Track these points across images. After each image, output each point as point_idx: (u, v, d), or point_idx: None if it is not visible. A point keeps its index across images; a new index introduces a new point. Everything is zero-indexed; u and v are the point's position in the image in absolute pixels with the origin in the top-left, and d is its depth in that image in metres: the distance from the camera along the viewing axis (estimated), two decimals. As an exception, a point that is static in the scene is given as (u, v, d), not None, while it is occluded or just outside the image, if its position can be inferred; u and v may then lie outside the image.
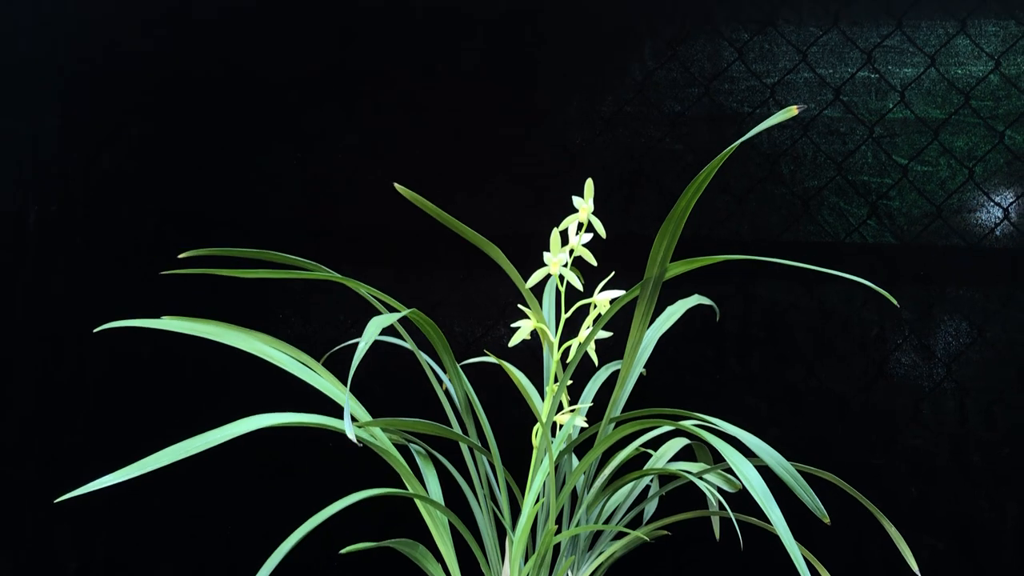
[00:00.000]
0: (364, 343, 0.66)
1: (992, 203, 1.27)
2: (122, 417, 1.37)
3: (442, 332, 0.84)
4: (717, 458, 1.02)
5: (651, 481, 1.02)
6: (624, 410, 0.91)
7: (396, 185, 0.86)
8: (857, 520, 1.05)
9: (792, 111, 0.73)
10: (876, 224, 1.28)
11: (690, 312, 1.03)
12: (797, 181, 1.29)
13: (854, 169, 1.28)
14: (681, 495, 1.00)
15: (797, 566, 0.64)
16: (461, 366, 0.93)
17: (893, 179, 1.28)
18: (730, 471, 0.93)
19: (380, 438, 0.89)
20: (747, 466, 0.71)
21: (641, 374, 0.97)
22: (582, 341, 0.88)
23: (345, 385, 0.67)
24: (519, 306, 0.93)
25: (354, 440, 0.61)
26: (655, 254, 0.79)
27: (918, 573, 0.92)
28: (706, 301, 1.04)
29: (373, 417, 0.97)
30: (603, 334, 0.91)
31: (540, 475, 0.85)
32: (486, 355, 0.93)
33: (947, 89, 1.28)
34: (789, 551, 0.65)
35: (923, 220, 1.28)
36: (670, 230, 0.78)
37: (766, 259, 0.80)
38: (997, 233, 1.27)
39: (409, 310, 0.79)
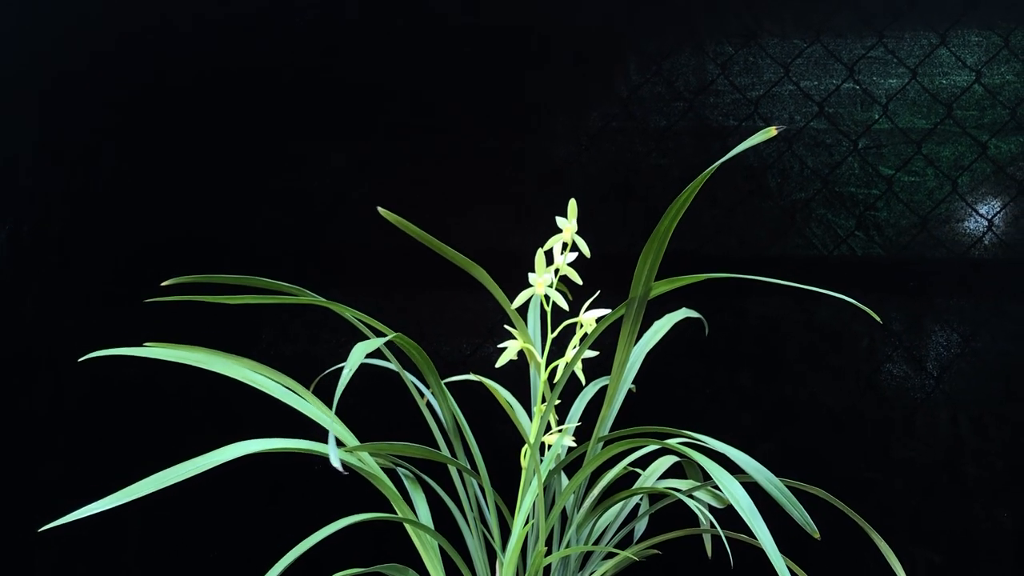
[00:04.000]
0: (348, 369, 0.65)
1: (977, 215, 1.27)
2: (102, 446, 1.35)
3: (427, 354, 0.84)
4: (707, 475, 1.01)
5: (640, 500, 1.01)
6: (612, 428, 0.91)
7: (380, 209, 0.86)
8: (850, 535, 1.04)
9: (771, 132, 0.73)
10: (864, 236, 1.28)
11: (679, 328, 1.03)
12: (784, 194, 1.29)
13: (841, 181, 1.28)
14: (671, 513, 0.99)
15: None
16: (446, 383, 0.92)
17: (880, 190, 1.28)
18: (719, 488, 0.94)
19: (368, 462, 0.89)
20: (732, 483, 0.71)
21: (630, 390, 0.97)
22: (569, 361, 0.88)
23: (331, 410, 0.67)
24: (506, 327, 0.92)
25: (339, 468, 0.61)
26: (639, 273, 0.79)
27: (908, 585, 0.91)
28: (693, 314, 1.04)
29: (361, 441, 0.97)
30: (590, 353, 0.91)
31: (529, 496, 0.85)
32: (473, 376, 0.93)
33: (931, 100, 1.28)
34: (775, 566, 0.64)
35: (911, 231, 1.28)
36: (654, 249, 0.78)
37: (749, 277, 0.79)
38: (985, 243, 1.27)
39: (394, 334, 0.79)
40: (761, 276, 1.25)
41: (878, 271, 1.27)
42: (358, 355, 0.68)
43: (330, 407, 0.92)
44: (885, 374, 1.27)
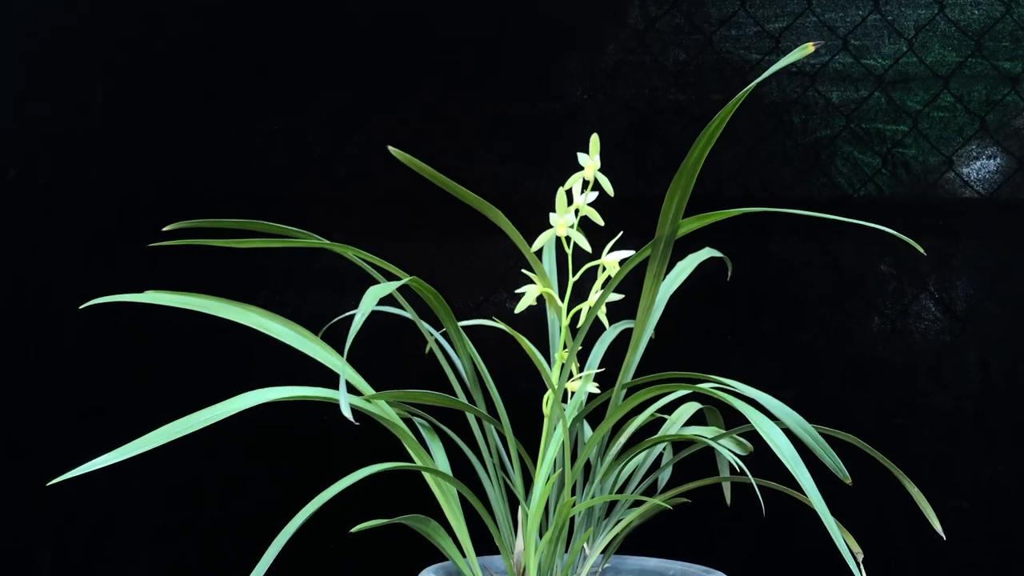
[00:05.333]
0: (361, 313, 0.62)
1: (1007, 152, 1.22)
2: (105, 397, 1.32)
3: (444, 300, 0.80)
4: (729, 422, 0.99)
5: (664, 448, 0.98)
6: (635, 374, 0.88)
7: (391, 148, 0.82)
8: (878, 483, 1.01)
9: (808, 48, 0.68)
10: (890, 174, 1.23)
11: (699, 272, 0.99)
12: (808, 132, 1.24)
13: (867, 117, 1.23)
14: (690, 462, 0.96)
15: (832, 535, 0.61)
16: (463, 327, 0.89)
17: (907, 127, 1.23)
18: (744, 435, 0.91)
19: (385, 410, 0.85)
20: (774, 430, 0.67)
21: (651, 337, 0.94)
22: (592, 305, 0.84)
23: (343, 355, 0.64)
24: (523, 271, 0.89)
25: (349, 416, 0.57)
26: (666, 210, 0.75)
27: (943, 535, 0.89)
28: (717, 254, 1.00)
29: (375, 391, 0.94)
30: (614, 296, 0.87)
31: (553, 445, 0.81)
32: (493, 321, 0.89)
33: (960, 33, 1.23)
34: (823, 519, 0.61)
35: (939, 169, 1.23)
36: (682, 183, 0.74)
37: (785, 211, 0.76)
38: (1017, 182, 1.22)
39: (409, 277, 0.75)
40: (787, 215, 1.21)
41: (905, 211, 1.23)
42: (371, 298, 0.64)
43: (342, 355, 0.89)
44: (912, 318, 1.23)
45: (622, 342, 0.98)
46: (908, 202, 1.23)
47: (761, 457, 0.88)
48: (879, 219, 1.23)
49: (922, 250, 0.65)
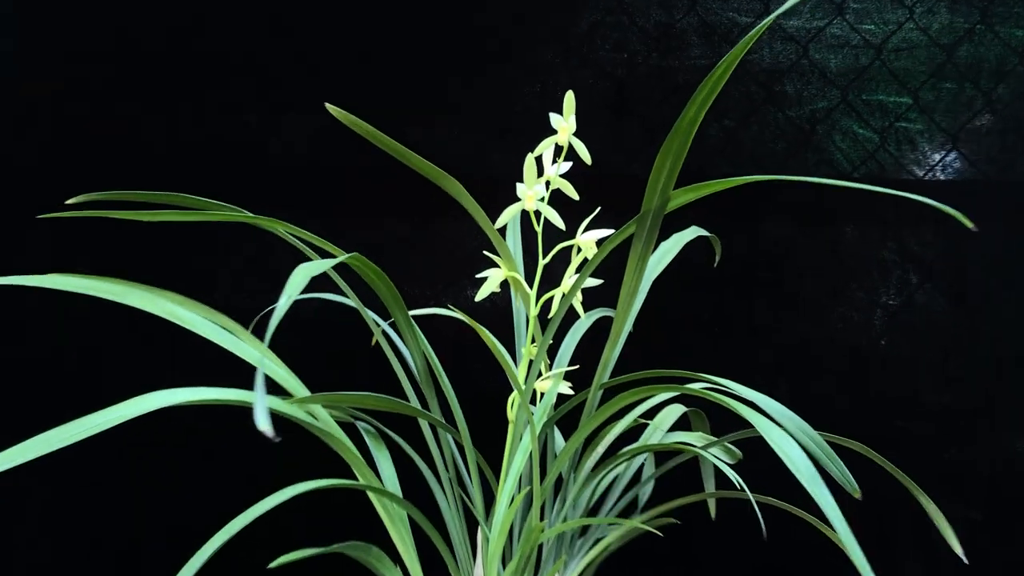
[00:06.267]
0: (287, 296, 0.49)
1: (1016, 130, 1.12)
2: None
3: (392, 283, 0.68)
4: (716, 427, 0.87)
5: (645, 459, 0.87)
6: (614, 372, 0.76)
7: (328, 106, 0.69)
8: (882, 491, 0.91)
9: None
10: (894, 151, 1.12)
11: (682, 255, 0.87)
12: (804, 103, 1.12)
13: (868, 88, 1.12)
14: (676, 472, 0.85)
15: (859, 567, 0.49)
16: (414, 317, 0.76)
17: (910, 100, 1.12)
18: (734, 442, 0.80)
19: (321, 417, 0.73)
20: (786, 441, 0.56)
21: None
22: (567, 291, 0.72)
23: (264, 344, 0.51)
24: (485, 253, 0.76)
25: (266, 428, 0.45)
26: (655, 180, 0.63)
27: (960, 553, 0.78)
28: (704, 233, 0.88)
29: (313, 392, 0.82)
30: (590, 281, 0.75)
31: (519, 456, 0.69)
32: (449, 309, 0.77)
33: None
34: (853, 558, 0.49)
35: (945, 145, 1.12)
36: (674, 148, 0.62)
37: (791, 178, 0.64)
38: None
39: (348, 255, 0.63)
40: (780, 195, 1.09)
41: (909, 190, 1.11)
42: (300, 278, 0.51)
43: (274, 350, 0.76)
44: (918, 307, 1.12)
45: (596, 333, 0.86)
46: (912, 181, 1.12)
47: (750, 464, 0.78)
48: (880, 198, 1.14)
49: (971, 225, 0.54)
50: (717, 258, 0.96)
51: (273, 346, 0.77)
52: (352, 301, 0.78)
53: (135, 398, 0.60)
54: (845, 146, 1.11)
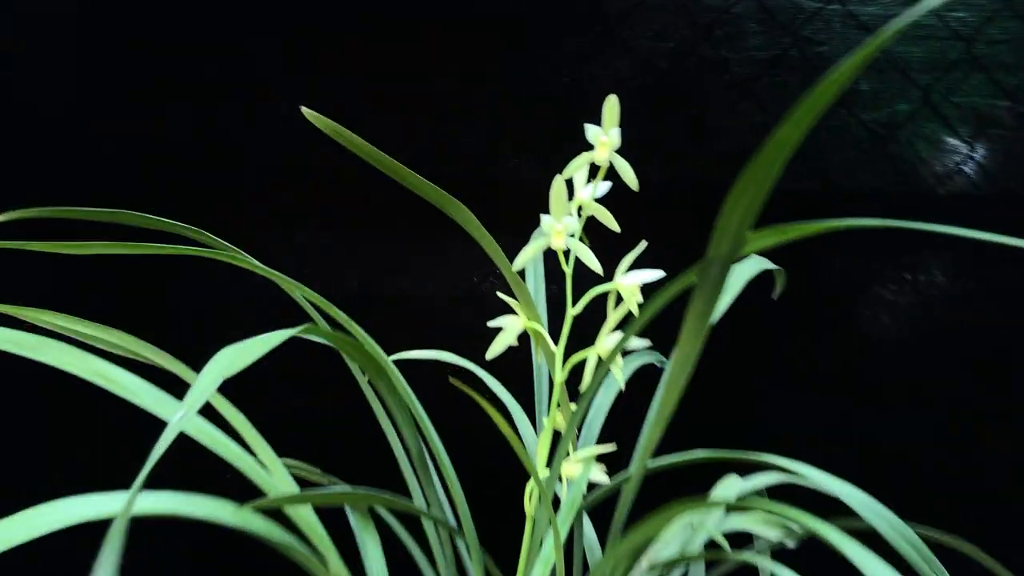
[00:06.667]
0: (189, 404, 0.34)
1: None
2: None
3: (374, 341, 0.52)
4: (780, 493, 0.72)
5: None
6: (657, 451, 0.60)
7: (304, 110, 0.54)
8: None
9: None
10: (988, 163, 0.96)
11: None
12: (881, 104, 0.95)
13: (957, 89, 0.95)
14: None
15: None
16: (395, 362, 0.61)
17: (1009, 103, 0.95)
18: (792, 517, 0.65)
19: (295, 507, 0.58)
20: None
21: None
22: (605, 354, 0.57)
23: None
24: (500, 295, 0.61)
25: None
26: (727, 219, 0.47)
27: None
28: (771, 266, 0.73)
29: (290, 447, 0.68)
30: (635, 341, 0.59)
31: (540, 567, 0.54)
32: (450, 376, 0.61)
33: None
34: None
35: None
36: (757, 179, 0.46)
37: (898, 224, 0.47)
38: None
39: (301, 327, 0.47)
40: (854, 217, 0.91)
41: (1009, 209, 0.94)
42: (212, 377, 0.36)
43: (248, 419, 0.61)
44: (1015, 360, 0.95)
45: (634, 388, 0.71)
46: (1012, 197, 0.95)
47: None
48: (970, 221, 0.96)
49: None
50: (777, 292, 0.79)
51: (246, 396, 0.62)
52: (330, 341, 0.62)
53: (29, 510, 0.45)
54: (927, 154, 0.94)
